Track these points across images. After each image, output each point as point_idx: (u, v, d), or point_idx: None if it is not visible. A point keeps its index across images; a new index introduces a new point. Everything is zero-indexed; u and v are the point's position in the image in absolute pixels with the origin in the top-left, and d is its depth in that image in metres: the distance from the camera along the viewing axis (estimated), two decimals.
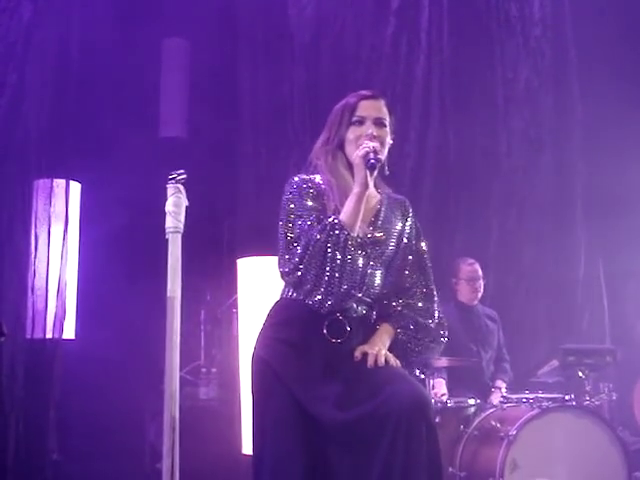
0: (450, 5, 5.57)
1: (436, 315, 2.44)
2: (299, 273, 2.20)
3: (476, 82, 5.55)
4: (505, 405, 4.12)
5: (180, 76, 5.91)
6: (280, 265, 2.29)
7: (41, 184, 4.34)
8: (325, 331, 2.26)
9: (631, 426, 4.85)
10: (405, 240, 2.48)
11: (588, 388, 4.06)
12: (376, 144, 2.31)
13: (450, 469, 4.03)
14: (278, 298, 2.40)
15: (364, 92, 2.47)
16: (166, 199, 2.77)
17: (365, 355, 2.27)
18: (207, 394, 5.21)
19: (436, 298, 2.47)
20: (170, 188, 2.77)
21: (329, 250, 2.18)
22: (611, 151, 5.19)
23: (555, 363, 4.34)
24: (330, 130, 2.44)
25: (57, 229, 4.30)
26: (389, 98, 5.39)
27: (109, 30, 5.19)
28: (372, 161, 2.26)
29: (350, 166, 2.36)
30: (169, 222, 2.74)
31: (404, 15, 5.50)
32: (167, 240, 2.76)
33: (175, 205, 2.75)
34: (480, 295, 4.72)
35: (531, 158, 5.58)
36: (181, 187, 2.77)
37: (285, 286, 2.37)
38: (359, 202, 2.26)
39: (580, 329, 5.31)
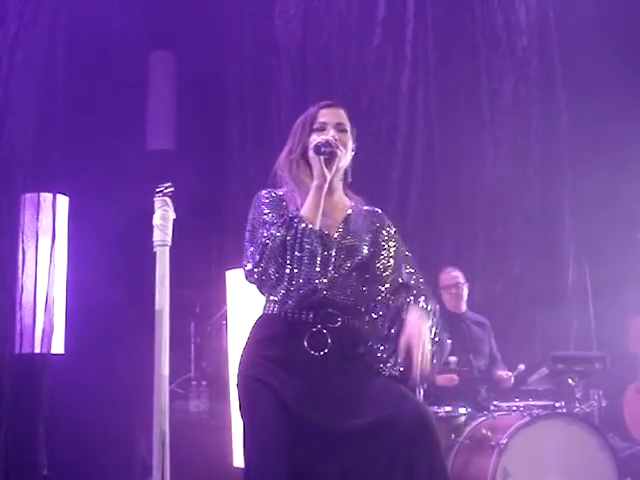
0: (435, 16, 5.60)
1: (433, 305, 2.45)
2: (260, 269, 2.20)
3: (462, 92, 5.58)
4: (496, 413, 4.12)
5: (167, 89, 5.91)
6: (243, 265, 2.29)
7: (28, 198, 4.31)
8: (306, 344, 2.24)
9: (621, 432, 4.86)
10: (385, 247, 2.45)
11: (578, 395, 4.08)
12: (329, 137, 2.32)
13: None
14: (260, 315, 2.38)
15: (324, 102, 2.49)
16: (154, 212, 2.78)
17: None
18: (197, 407, 5.19)
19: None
20: (157, 201, 2.77)
21: (288, 243, 2.18)
22: (598, 160, 5.22)
23: (545, 371, 4.36)
24: (293, 140, 2.45)
25: (45, 243, 4.28)
26: (375, 109, 5.47)
27: (95, 43, 5.19)
28: (319, 146, 2.28)
29: (313, 174, 2.35)
30: (157, 235, 2.75)
31: (389, 27, 5.53)
32: (155, 253, 2.76)
33: (162, 218, 2.75)
34: (464, 301, 4.73)
35: (518, 167, 5.60)
36: (168, 200, 2.78)
37: (266, 302, 2.36)
38: (318, 195, 2.27)
39: (568, 337, 5.33)
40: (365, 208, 2.52)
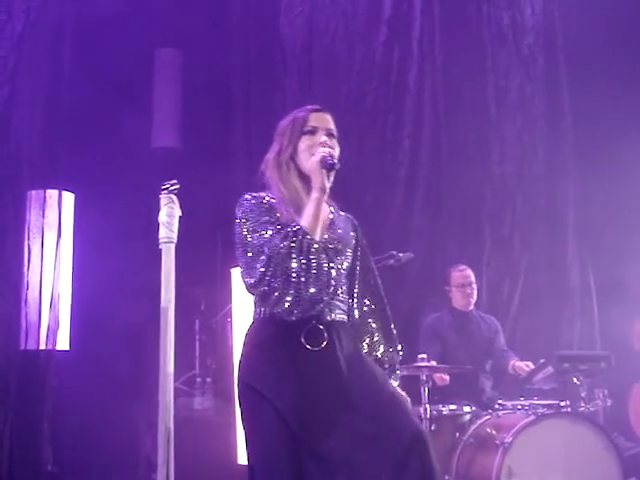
0: (442, 14, 5.59)
1: (395, 350, 2.51)
2: (265, 282, 2.18)
3: (468, 90, 5.57)
4: (500, 412, 4.12)
5: (173, 86, 5.92)
6: (245, 278, 2.26)
7: (34, 195, 4.33)
8: (303, 340, 2.24)
9: (626, 432, 4.86)
10: (359, 254, 2.50)
11: (583, 394, 4.07)
12: (331, 150, 2.35)
13: (446, 477, 4.03)
14: (251, 321, 2.38)
15: (312, 106, 2.50)
16: (159, 209, 2.78)
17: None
18: (202, 404, 5.20)
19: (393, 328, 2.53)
20: (163, 198, 2.77)
21: (293, 256, 2.18)
22: (602, 159, 5.21)
23: (550, 370, 4.34)
24: (282, 141, 2.44)
25: (50, 240, 4.29)
26: (381, 107, 5.46)
27: (101, 40, 5.20)
28: (330, 161, 2.29)
29: (302, 177, 2.38)
30: (162, 232, 2.75)
31: (396, 24, 5.52)
32: (160, 250, 2.76)
33: (168, 215, 2.75)
34: (473, 300, 4.73)
35: (523, 165, 5.60)
36: (174, 197, 2.77)
37: (255, 307, 2.36)
38: (318, 207, 2.28)
39: (572, 336, 5.32)
40: (342, 214, 2.53)
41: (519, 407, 4.11)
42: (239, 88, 5.65)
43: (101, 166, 4.97)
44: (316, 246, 2.22)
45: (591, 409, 4.08)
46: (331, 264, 2.26)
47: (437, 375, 4.29)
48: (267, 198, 2.36)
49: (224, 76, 5.63)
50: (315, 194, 2.28)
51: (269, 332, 2.28)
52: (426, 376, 4.02)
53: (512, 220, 5.51)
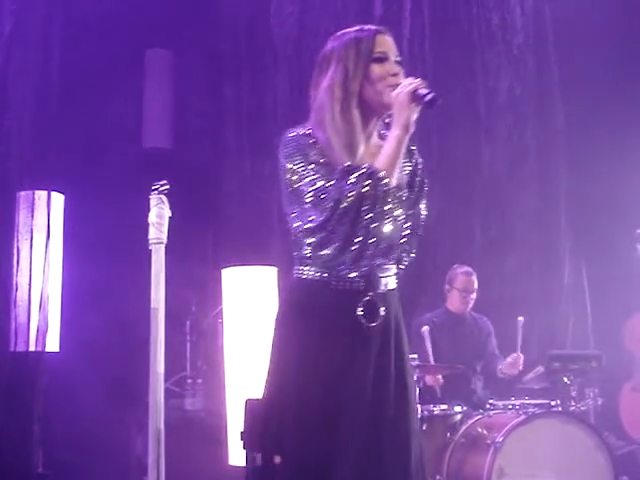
0: (432, 14, 5.60)
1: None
2: (327, 230, 1.88)
3: (458, 90, 5.58)
4: (491, 412, 4.12)
5: (164, 87, 5.91)
6: (302, 222, 1.94)
7: (23, 196, 4.31)
8: (361, 313, 1.96)
9: (617, 431, 4.87)
10: (422, 187, 2.19)
11: (574, 394, 4.08)
12: (420, 81, 1.97)
13: (437, 477, 4.03)
14: (295, 277, 2.05)
15: (373, 26, 2.13)
16: (149, 210, 2.77)
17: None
18: (193, 405, 5.19)
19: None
20: (153, 199, 2.76)
21: (366, 204, 1.87)
22: (594, 159, 5.23)
23: (541, 369, 4.36)
24: (346, 65, 2.04)
25: (39, 241, 4.27)
26: None
27: (92, 41, 5.18)
28: (430, 95, 1.92)
29: (362, 110, 2.03)
30: (152, 233, 2.74)
31: (386, 24, 5.49)
32: (150, 251, 2.76)
33: (158, 216, 2.75)
34: (470, 306, 4.73)
35: (514, 166, 5.61)
36: (164, 198, 2.77)
37: (301, 263, 2.03)
38: (399, 147, 1.95)
39: (564, 335, 5.33)
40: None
41: (510, 407, 4.12)
42: (230, 89, 5.65)
43: (91, 167, 4.96)
44: (391, 193, 1.92)
45: (582, 408, 4.09)
46: (405, 220, 2.00)
47: (431, 376, 4.28)
48: (313, 139, 2.01)
49: (215, 76, 5.63)
50: (397, 131, 1.95)
51: (320, 299, 1.98)
52: (417, 377, 4.02)
53: (502, 221, 5.51)
